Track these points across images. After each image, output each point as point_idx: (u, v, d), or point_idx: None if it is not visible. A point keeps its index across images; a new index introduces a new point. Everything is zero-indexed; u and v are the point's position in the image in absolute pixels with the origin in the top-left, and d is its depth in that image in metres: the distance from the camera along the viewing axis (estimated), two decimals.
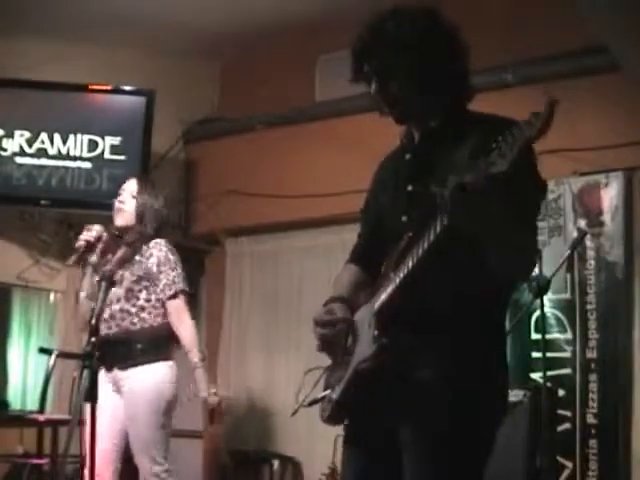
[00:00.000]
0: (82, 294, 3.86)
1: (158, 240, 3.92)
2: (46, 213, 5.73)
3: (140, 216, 3.88)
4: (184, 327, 3.87)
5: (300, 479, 5.91)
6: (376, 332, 2.04)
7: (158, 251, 3.87)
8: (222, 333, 6.38)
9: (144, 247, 3.87)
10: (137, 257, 3.85)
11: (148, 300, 3.86)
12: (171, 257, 3.88)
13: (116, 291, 3.79)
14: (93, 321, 3.09)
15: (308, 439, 5.85)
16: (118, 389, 3.81)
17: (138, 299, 3.84)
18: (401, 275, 2.00)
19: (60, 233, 5.83)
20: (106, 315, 3.77)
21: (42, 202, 5.54)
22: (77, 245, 3.80)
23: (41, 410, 4.98)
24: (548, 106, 1.67)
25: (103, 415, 3.69)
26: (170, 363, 3.88)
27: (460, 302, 2.03)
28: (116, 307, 3.81)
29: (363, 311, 2.16)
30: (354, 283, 2.31)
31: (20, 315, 6.18)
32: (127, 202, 3.91)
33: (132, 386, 3.79)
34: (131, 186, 3.96)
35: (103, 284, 3.22)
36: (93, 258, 3.84)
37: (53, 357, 4.94)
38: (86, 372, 2.88)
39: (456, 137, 2.06)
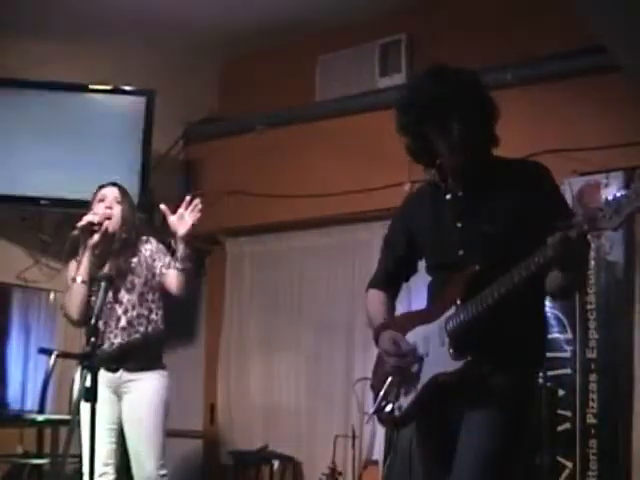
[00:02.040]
0: (78, 278, 3.83)
1: (144, 237, 3.95)
2: (46, 213, 5.73)
3: (125, 221, 3.89)
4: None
5: (300, 479, 5.91)
6: (452, 350, 2.39)
7: (148, 244, 3.93)
8: (222, 333, 6.39)
9: (138, 248, 3.89)
10: (135, 260, 3.86)
11: (153, 301, 3.88)
12: (161, 246, 3.95)
13: (130, 298, 3.82)
14: (93, 320, 3.09)
15: (308, 439, 5.86)
16: (118, 391, 3.81)
17: (148, 301, 3.87)
18: (484, 304, 2.33)
19: (60, 233, 5.82)
20: (123, 323, 3.80)
21: (42, 202, 5.53)
22: (79, 224, 3.82)
23: (41, 410, 4.98)
24: None
25: (99, 414, 3.70)
26: (166, 372, 3.92)
27: (522, 329, 2.43)
28: (133, 314, 3.82)
29: (421, 331, 2.52)
30: (388, 309, 2.71)
31: (20, 315, 6.18)
32: (115, 208, 3.90)
33: (139, 390, 3.80)
34: (114, 192, 3.94)
35: (103, 284, 3.22)
36: (92, 241, 3.83)
37: (53, 357, 4.94)
38: (85, 372, 2.88)
39: (490, 179, 2.48)
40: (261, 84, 6.25)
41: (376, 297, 2.75)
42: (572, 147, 4.81)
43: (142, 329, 3.82)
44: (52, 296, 6.09)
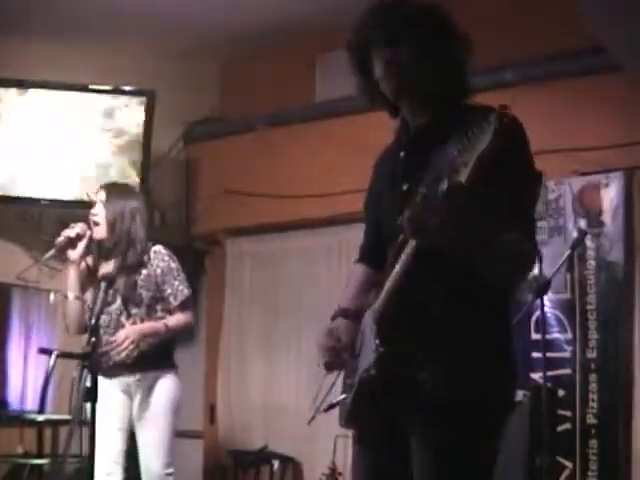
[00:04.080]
0: (70, 295, 3.83)
1: (156, 249, 3.90)
2: (46, 213, 5.73)
3: (112, 225, 3.83)
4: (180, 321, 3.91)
5: (300, 479, 5.91)
6: (377, 341, 2.04)
7: (161, 261, 3.87)
8: (222, 333, 6.38)
9: (146, 258, 3.86)
10: (145, 271, 3.84)
11: (163, 309, 3.88)
12: (173, 265, 3.89)
13: (137, 312, 3.82)
14: (93, 321, 3.09)
15: (308, 439, 5.85)
16: (129, 391, 3.82)
17: (156, 312, 3.87)
18: (389, 286, 2.02)
19: (60, 233, 5.82)
20: None
21: (42, 202, 5.53)
22: (57, 240, 3.80)
23: (41, 410, 4.98)
24: (498, 116, 1.68)
25: (109, 415, 3.74)
26: (176, 370, 3.95)
27: (456, 303, 2.03)
28: None
29: (368, 315, 2.16)
30: (363, 286, 2.32)
31: (20, 315, 6.18)
32: (100, 214, 3.86)
33: (149, 389, 3.82)
34: (101, 196, 3.91)
35: (103, 284, 3.22)
36: (74, 255, 3.81)
37: (53, 357, 4.93)
38: (86, 372, 2.88)
39: (448, 133, 1.95)
40: (261, 84, 6.25)
41: (356, 273, 2.39)
42: (572, 147, 4.81)
43: (150, 340, 3.83)
44: (52, 296, 6.08)
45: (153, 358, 3.83)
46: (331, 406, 2.38)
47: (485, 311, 2.05)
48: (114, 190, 3.94)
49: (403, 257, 1.95)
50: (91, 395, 2.91)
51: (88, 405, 2.93)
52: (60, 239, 3.79)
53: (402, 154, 2.19)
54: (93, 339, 3.01)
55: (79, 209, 5.55)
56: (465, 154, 1.72)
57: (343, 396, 2.27)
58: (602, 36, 4.28)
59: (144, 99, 5.69)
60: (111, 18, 5.52)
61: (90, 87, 5.69)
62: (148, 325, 3.79)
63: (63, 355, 4.95)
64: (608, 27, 4.10)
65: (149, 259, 3.85)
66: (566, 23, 4.83)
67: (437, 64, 2.12)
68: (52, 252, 3.80)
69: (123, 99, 5.76)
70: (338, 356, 2.18)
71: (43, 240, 5.74)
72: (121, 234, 3.82)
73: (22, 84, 5.52)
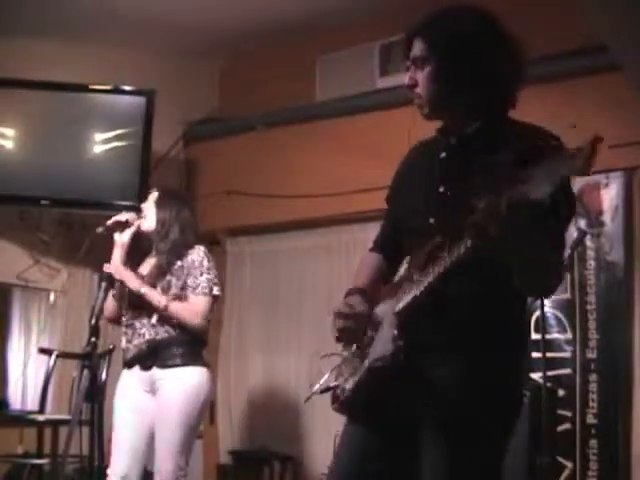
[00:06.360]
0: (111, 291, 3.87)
1: (197, 246, 3.96)
2: (46, 213, 5.73)
3: (161, 223, 3.93)
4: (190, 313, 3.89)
5: (300, 479, 5.91)
6: (395, 332, 2.09)
7: (196, 255, 3.91)
8: (222, 333, 6.38)
9: (184, 253, 3.90)
10: (179, 263, 3.87)
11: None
12: (205, 262, 3.91)
13: (164, 297, 3.83)
14: (93, 321, 3.09)
15: (308, 439, 5.86)
16: (152, 389, 3.81)
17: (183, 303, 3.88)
18: (425, 282, 2.03)
19: (60, 233, 5.83)
20: (154, 320, 3.82)
21: (42, 202, 5.53)
22: (108, 222, 3.83)
23: (41, 410, 4.98)
24: (590, 145, 1.72)
25: (132, 414, 3.78)
26: (205, 369, 3.93)
27: (484, 307, 2.08)
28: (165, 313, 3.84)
29: (385, 307, 2.20)
30: (375, 274, 2.35)
31: (20, 315, 6.19)
32: (150, 209, 3.96)
33: (172, 386, 3.79)
34: (154, 195, 4.02)
35: (103, 284, 3.23)
36: (123, 238, 3.86)
37: (53, 357, 4.94)
38: (86, 372, 2.89)
39: (493, 143, 2.04)
40: (261, 84, 6.25)
41: (368, 260, 2.41)
42: (572, 147, 4.80)
43: (171, 329, 3.83)
44: (52, 296, 6.09)
45: (175, 355, 3.82)
46: (327, 389, 2.39)
47: (509, 317, 2.11)
48: (166, 193, 4.04)
49: (447, 257, 1.96)
50: (91, 395, 2.91)
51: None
52: (109, 222, 3.81)
53: (443, 155, 2.19)
54: (93, 339, 3.01)
55: (79, 209, 5.59)
56: (543, 176, 1.72)
57: (340, 381, 2.30)
58: (602, 36, 4.28)
59: (144, 99, 5.69)
60: (111, 18, 5.53)
61: (90, 87, 5.70)
62: (148, 288, 3.80)
63: (63, 355, 4.99)
64: (608, 27, 4.09)
65: (188, 254, 3.91)
66: (566, 23, 4.83)
67: (468, 81, 2.13)
68: (101, 230, 3.81)
69: (123, 99, 5.77)
70: (351, 324, 2.20)
71: (43, 240, 5.76)
72: (174, 244, 3.90)
73: (22, 84, 5.52)
